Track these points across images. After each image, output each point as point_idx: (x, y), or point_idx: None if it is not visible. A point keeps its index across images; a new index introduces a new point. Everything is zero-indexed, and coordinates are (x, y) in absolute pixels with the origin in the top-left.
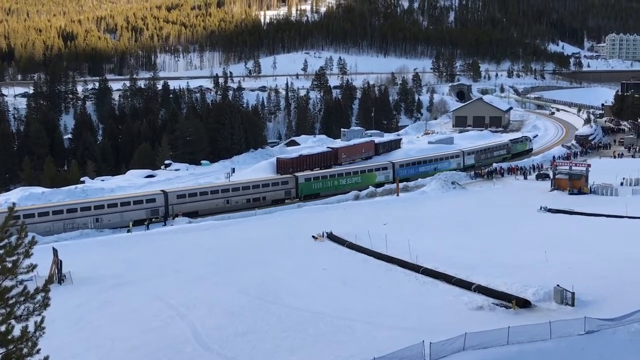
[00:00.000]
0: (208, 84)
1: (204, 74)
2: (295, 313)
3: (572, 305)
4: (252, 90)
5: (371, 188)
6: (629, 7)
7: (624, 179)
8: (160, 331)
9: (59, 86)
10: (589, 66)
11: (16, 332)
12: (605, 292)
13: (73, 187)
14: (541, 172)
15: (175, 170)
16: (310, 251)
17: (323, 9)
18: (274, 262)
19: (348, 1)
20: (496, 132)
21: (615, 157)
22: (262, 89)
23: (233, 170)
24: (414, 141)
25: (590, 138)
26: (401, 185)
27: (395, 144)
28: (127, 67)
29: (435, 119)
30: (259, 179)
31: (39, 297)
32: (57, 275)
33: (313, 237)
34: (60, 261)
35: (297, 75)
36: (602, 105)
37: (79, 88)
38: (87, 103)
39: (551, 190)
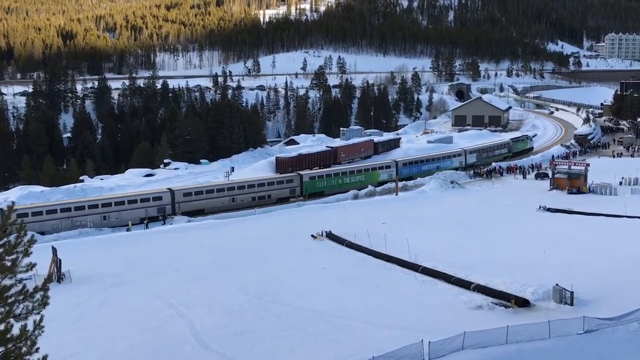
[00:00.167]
0: (207, 83)
1: (203, 73)
2: (295, 312)
3: (571, 304)
4: (251, 89)
5: (370, 187)
6: (628, 6)
7: (622, 178)
8: (159, 330)
9: (58, 85)
10: (588, 66)
11: (15, 330)
12: (604, 291)
13: (72, 186)
14: (540, 171)
15: (175, 169)
16: (309, 250)
17: (322, 8)
18: (274, 261)
19: (347, 0)
20: (495, 131)
21: (614, 156)
22: (261, 88)
23: (232, 169)
24: (413, 140)
25: (589, 137)
26: (400, 184)
27: (394, 143)
28: (127, 66)
29: (435, 118)
30: (265, 177)
31: (38, 295)
32: (57, 274)
33: (312, 236)
34: (60, 260)
35: (296, 75)
36: (601, 104)
37: (78, 87)
38: (87, 102)
39: (550, 190)
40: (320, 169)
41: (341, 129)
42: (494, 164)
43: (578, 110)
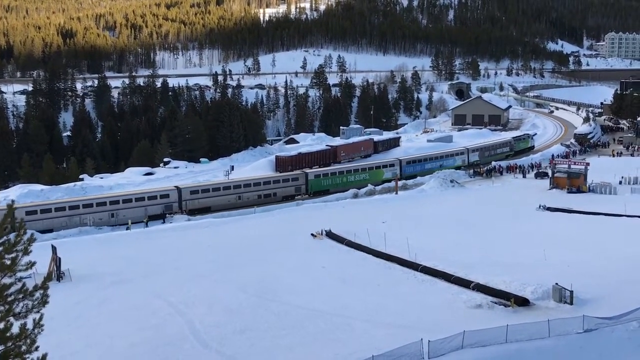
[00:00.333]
0: (207, 81)
1: (203, 71)
2: (294, 311)
3: (571, 303)
4: (251, 88)
5: (370, 186)
6: (628, 5)
7: (622, 177)
8: (159, 328)
9: (58, 83)
10: (588, 65)
11: (15, 329)
12: (604, 290)
13: (72, 184)
14: (540, 170)
15: (174, 167)
16: (309, 249)
17: (322, 7)
18: (273, 260)
19: None
20: (495, 130)
21: (614, 155)
22: (260, 86)
23: (232, 168)
24: (413, 139)
25: (589, 137)
26: (400, 183)
27: (394, 142)
28: (126, 65)
29: (435, 117)
30: (271, 175)
31: (37, 294)
32: (56, 273)
33: (312, 235)
34: (59, 258)
35: (296, 73)
36: (601, 103)
37: (78, 85)
38: (86, 100)
39: (550, 189)
40: (324, 167)
41: (341, 127)
42: (493, 163)
43: (578, 109)
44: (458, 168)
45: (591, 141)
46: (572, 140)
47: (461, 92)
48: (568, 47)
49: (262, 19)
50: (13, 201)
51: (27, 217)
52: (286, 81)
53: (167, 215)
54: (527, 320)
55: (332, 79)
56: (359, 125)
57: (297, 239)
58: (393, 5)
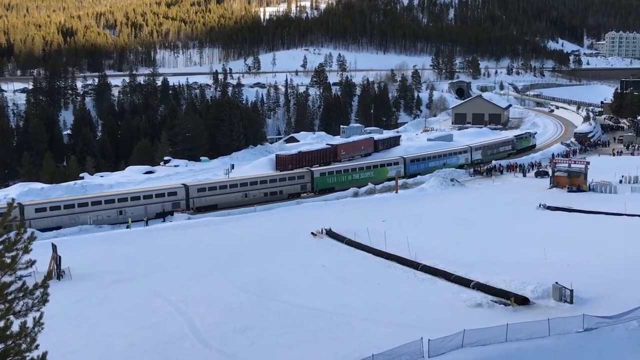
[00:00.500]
0: (207, 80)
1: (204, 70)
2: (294, 310)
3: (571, 302)
4: (251, 86)
5: (370, 185)
6: (628, 4)
7: (622, 176)
8: (159, 327)
9: (58, 82)
10: (588, 64)
11: (15, 327)
12: (604, 289)
13: (72, 182)
14: (540, 169)
15: (175, 166)
16: (309, 248)
17: (323, 6)
18: (273, 258)
19: None
20: (495, 129)
21: (614, 154)
22: (260, 85)
23: (232, 166)
24: (413, 138)
25: (589, 136)
26: (400, 182)
27: (394, 141)
28: (127, 63)
29: (435, 116)
30: (276, 173)
31: (37, 292)
32: (56, 271)
33: (312, 233)
34: (59, 257)
35: (296, 72)
36: (602, 102)
37: (79, 84)
38: (87, 99)
39: (550, 188)
40: (328, 166)
41: (341, 126)
42: (494, 161)
43: (578, 108)
44: (461, 166)
45: (591, 140)
46: (573, 139)
47: (461, 91)
48: (568, 46)
49: (262, 17)
50: (13, 199)
51: (35, 214)
52: (286, 80)
53: (173, 212)
54: (527, 319)
55: (333, 77)
56: (359, 124)
57: (297, 238)
58: (393, 4)
